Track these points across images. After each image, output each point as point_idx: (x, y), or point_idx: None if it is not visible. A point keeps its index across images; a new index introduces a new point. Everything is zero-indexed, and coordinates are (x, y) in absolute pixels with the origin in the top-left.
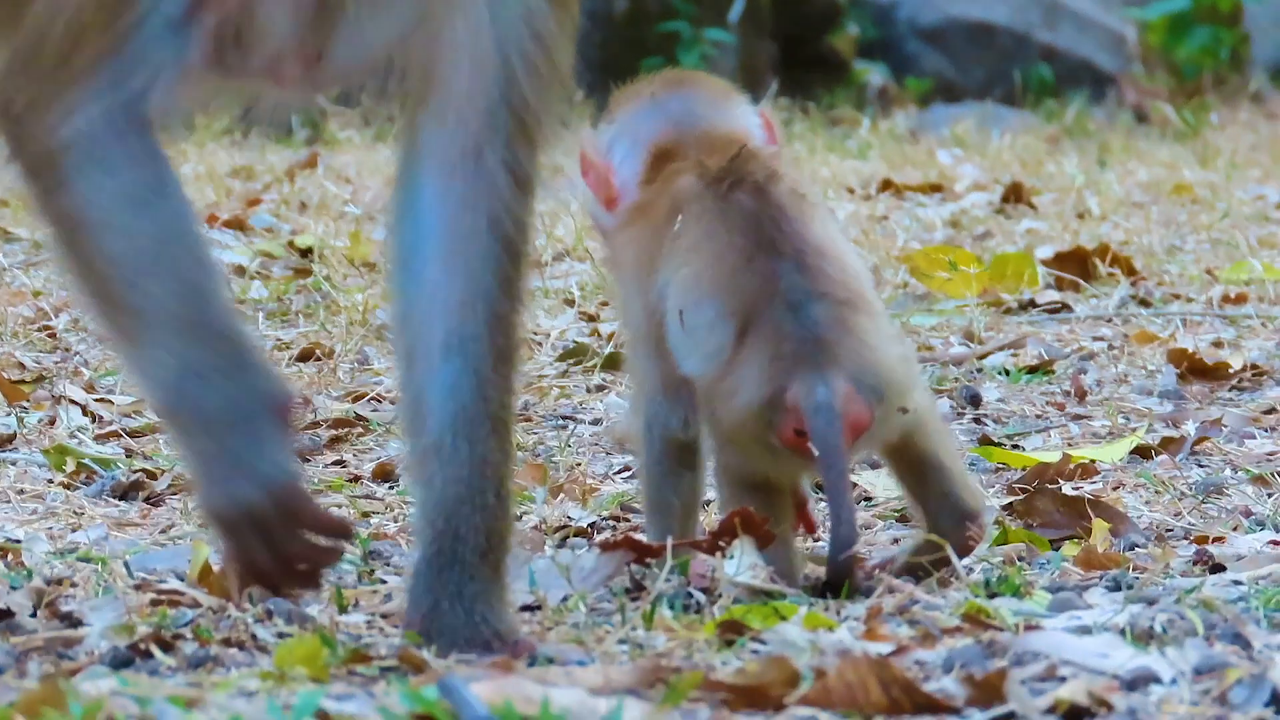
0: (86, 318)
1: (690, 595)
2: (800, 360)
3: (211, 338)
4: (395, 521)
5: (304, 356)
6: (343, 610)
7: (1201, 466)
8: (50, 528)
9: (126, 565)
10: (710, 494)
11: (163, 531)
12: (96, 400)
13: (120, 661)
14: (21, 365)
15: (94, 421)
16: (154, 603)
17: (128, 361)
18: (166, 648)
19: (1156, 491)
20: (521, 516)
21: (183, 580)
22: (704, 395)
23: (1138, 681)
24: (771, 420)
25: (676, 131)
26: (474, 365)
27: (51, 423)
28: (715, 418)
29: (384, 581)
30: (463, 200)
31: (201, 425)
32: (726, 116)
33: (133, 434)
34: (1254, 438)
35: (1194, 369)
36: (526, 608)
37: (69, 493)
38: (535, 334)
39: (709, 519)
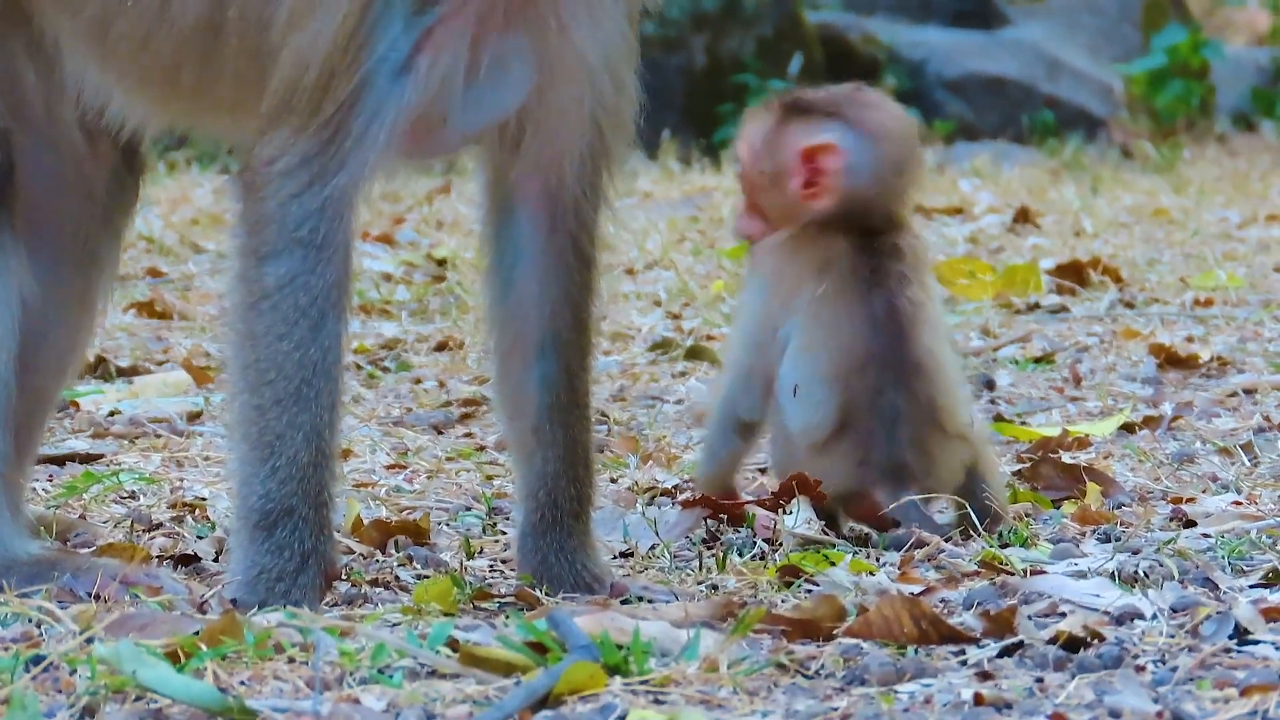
0: (226, 363)
1: (755, 544)
2: (884, 474)
3: (319, 480)
4: (513, 485)
5: (439, 347)
6: (470, 557)
7: (1176, 440)
8: (231, 488)
9: None
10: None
11: None
12: None
13: None
14: (208, 354)
15: None
16: None
17: (243, 437)
18: None
19: (1140, 460)
20: (617, 479)
21: (338, 532)
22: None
23: (1124, 617)
24: (848, 501)
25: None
26: (565, 362)
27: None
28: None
29: (504, 533)
30: (551, 224)
31: (268, 539)
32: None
33: None
34: (1219, 416)
35: (1170, 360)
36: (622, 554)
37: None
38: (629, 329)
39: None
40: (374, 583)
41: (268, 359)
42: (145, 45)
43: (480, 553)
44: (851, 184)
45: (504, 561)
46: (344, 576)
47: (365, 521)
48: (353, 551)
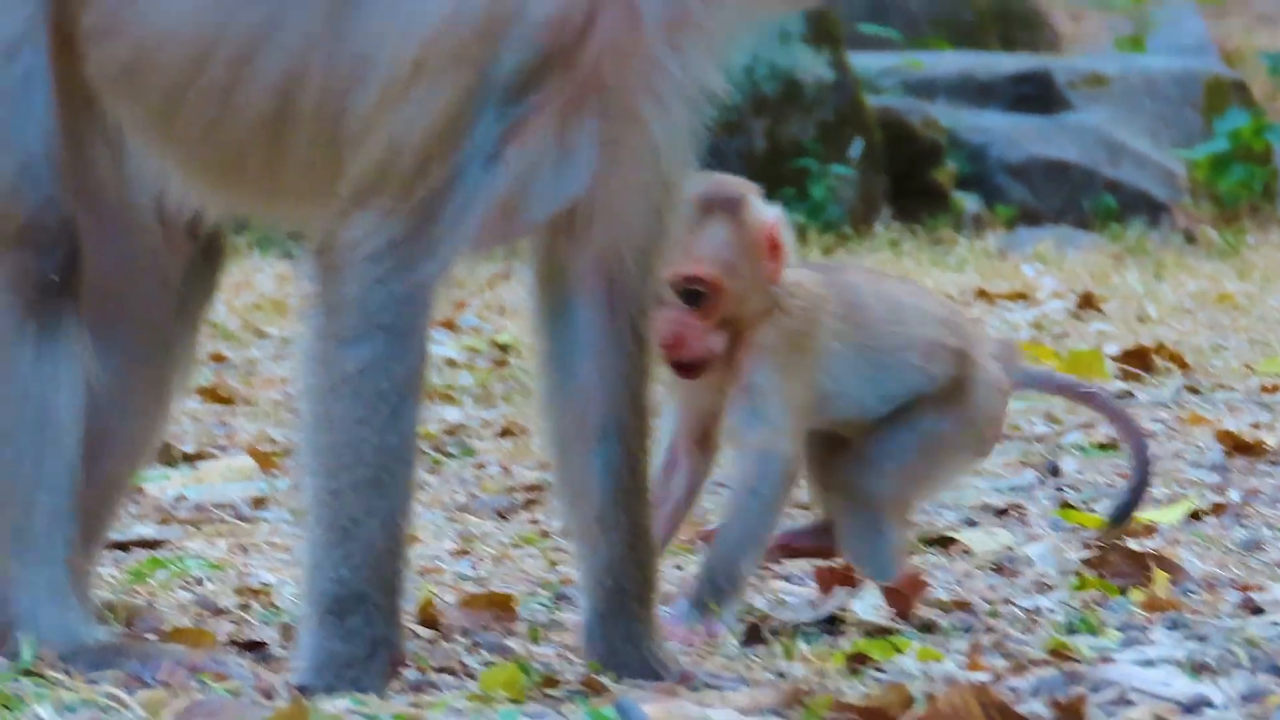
0: (299, 446)
1: (823, 631)
2: (1005, 360)
3: (393, 566)
4: (577, 570)
5: (503, 433)
6: (536, 642)
7: (1243, 527)
8: (297, 574)
9: None
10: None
11: None
12: None
13: None
14: (273, 440)
15: None
16: None
17: (316, 521)
18: None
19: (1207, 547)
20: (682, 566)
21: (408, 617)
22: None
23: (1194, 706)
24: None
25: None
26: (626, 446)
27: (297, 487)
28: (941, 422)
29: (570, 619)
30: (609, 306)
31: (339, 625)
32: None
33: None
34: None
35: (1237, 446)
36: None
37: None
38: None
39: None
40: (441, 669)
41: (345, 444)
42: (208, 135)
43: (547, 638)
44: None
45: (570, 648)
46: (410, 663)
47: (436, 607)
48: (419, 637)
